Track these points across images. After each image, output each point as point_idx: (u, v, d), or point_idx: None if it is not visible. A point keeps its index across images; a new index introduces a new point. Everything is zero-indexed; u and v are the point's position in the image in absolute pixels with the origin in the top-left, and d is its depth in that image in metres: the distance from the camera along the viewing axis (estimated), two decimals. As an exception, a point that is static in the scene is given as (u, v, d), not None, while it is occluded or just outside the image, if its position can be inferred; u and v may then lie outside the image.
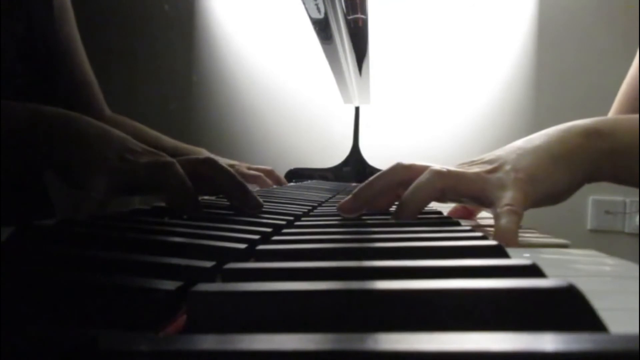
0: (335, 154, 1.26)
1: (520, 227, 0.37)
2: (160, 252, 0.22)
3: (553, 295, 0.14)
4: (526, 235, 0.40)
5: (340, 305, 0.15)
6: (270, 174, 0.91)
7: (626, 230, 1.38)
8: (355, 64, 0.77)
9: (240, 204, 0.44)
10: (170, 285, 0.17)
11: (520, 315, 0.14)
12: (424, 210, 0.43)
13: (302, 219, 0.42)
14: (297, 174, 1.24)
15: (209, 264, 0.21)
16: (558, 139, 0.42)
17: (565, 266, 0.26)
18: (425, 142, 1.36)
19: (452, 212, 0.53)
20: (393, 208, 0.43)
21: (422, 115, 1.36)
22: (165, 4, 1.50)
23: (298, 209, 0.47)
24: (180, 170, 0.42)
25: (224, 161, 0.87)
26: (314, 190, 0.77)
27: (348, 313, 0.15)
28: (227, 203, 0.47)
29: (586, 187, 0.42)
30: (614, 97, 0.74)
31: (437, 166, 0.41)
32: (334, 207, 0.46)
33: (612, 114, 0.74)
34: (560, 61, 1.39)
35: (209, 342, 0.11)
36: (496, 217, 0.37)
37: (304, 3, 0.56)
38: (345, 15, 0.62)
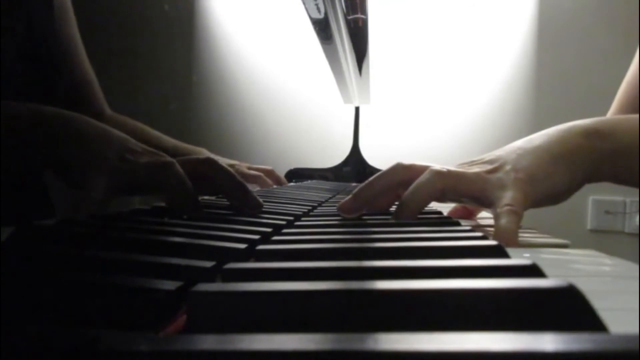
0: (335, 154, 1.26)
1: (520, 227, 0.37)
2: (160, 252, 0.22)
3: (553, 295, 0.14)
4: (526, 235, 0.40)
5: (340, 305, 0.15)
6: (270, 173, 0.91)
7: (626, 230, 1.38)
8: (355, 64, 0.77)
9: (240, 204, 0.44)
10: (170, 285, 0.17)
11: (520, 315, 0.14)
12: (424, 210, 0.43)
13: (302, 219, 0.42)
14: (297, 174, 1.24)
15: (209, 264, 0.21)
16: (558, 139, 0.42)
17: (565, 266, 0.26)
18: (425, 142, 1.36)
19: (452, 212, 0.53)
20: (393, 208, 0.43)
21: (422, 115, 1.36)
22: (165, 4, 1.49)
23: (298, 209, 0.47)
24: (180, 170, 0.42)
25: (224, 161, 0.87)
26: (314, 190, 0.77)
27: (348, 313, 0.15)
28: (227, 203, 0.47)
29: (586, 187, 0.42)
30: (614, 97, 0.74)
31: (437, 166, 0.41)
32: (334, 207, 0.46)
33: (611, 113, 0.74)
34: (560, 61, 1.39)
35: (209, 342, 0.11)
36: (496, 217, 0.37)
37: (304, 3, 0.56)
38: (345, 15, 0.62)
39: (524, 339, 0.11)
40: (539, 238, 0.39)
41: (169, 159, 0.44)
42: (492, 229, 0.38)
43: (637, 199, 1.34)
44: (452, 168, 0.42)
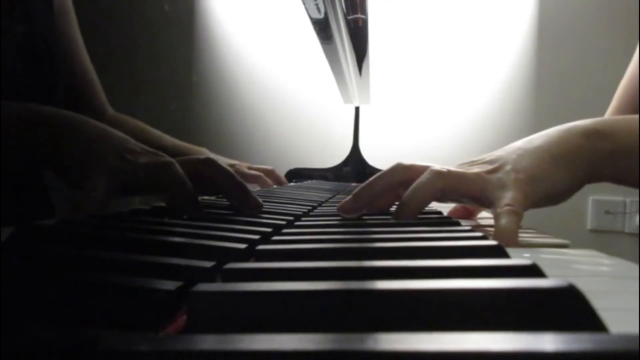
0: (335, 154, 1.26)
1: (520, 227, 0.37)
2: (160, 252, 0.22)
3: (553, 295, 0.14)
4: (526, 235, 0.40)
5: (340, 305, 0.15)
6: (270, 173, 0.91)
7: (626, 230, 1.38)
8: (355, 64, 0.77)
9: (239, 204, 0.44)
10: (170, 285, 0.17)
11: (521, 315, 0.14)
12: (424, 210, 0.43)
13: (302, 219, 0.42)
14: (297, 174, 1.24)
15: (209, 264, 0.21)
16: (558, 139, 0.42)
17: (565, 266, 0.26)
18: (425, 142, 1.36)
19: (452, 212, 0.53)
20: (393, 208, 0.43)
21: (422, 115, 1.36)
22: (165, 4, 1.49)
23: (298, 209, 0.47)
24: (180, 170, 0.42)
25: (224, 161, 0.87)
26: (314, 190, 0.77)
27: (348, 313, 0.15)
28: (227, 203, 0.47)
29: (586, 187, 0.42)
30: (613, 97, 0.74)
31: (437, 166, 0.41)
32: (334, 207, 0.46)
33: (609, 112, 0.74)
34: (560, 61, 1.39)
35: (209, 342, 0.11)
36: (496, 217, 0.37)
37: (304, 3, 0.56)
38: (345, 15, 0.62)
39: (524, 339, 0.11)
40: (539, 238, 0.39)
41: (168, 159, 0.44)
42: (492, 229, 0.38)
43: (637, 199, 1.34)
44: (452, 168, 0.42)
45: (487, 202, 0.40)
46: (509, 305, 0.14)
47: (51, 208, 0.68)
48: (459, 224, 0.37)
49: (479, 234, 0.30)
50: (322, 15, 0.58)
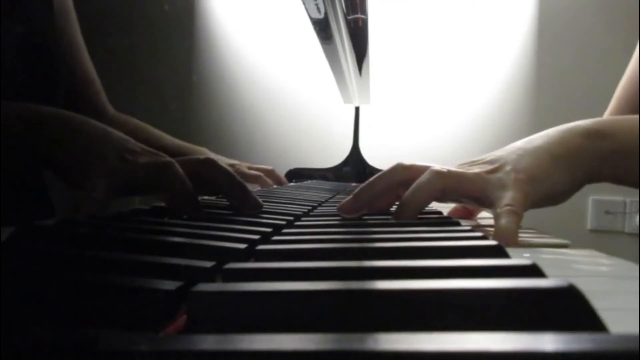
0: (335, 154, 1.26)
1: (520, 227, 0.37)
2: (160, 252, 0.22)
3: (553, 295, 0.14)
4: (526, 235, 0.40)
5: (340, 305, 0.15)
6: (270, 173, 0.91)
7: (626, 230, 1.38)
8: (355, 64, 0.77)
9: (239, 204, 0.44)
10: (170, 285, 0.17)
11: (521, 315, 0.14)
12: (424, 210, 0.43)
13: (302, 219, 0.42)
14: (297, 174, 1.24)
15: (209, 264, 0.21)
16: (558, 139, 0.42)
17: (566, 266, 0.26)
18: (425, 142, 1.36)
19: (452, 212, 0.53)
20: (393, 208, 0.43)
21: (422, 115, 1.36)
22: (165, 4, 1.49)
23: (298, 209, 0.47)
24: (180, 170, 0.42)
25: (224, 161, 0.87)
26: (314, 190, 0.77)
27: (348, 313, 0.15)
28: (227, 203, 0.47)
29: (586, 187, 0.42)
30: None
31: (437, 166, 0.41)
32: (334, 207, 0.46)
33: (609, 112, 0.74)
34: (560, 61, 1.39)
35: (209, 342, 0.11)
36: (496, 218, 0.37)
37: (304, 3, 0.56)
38: (345, 15, 0.62)
39: (524, 339, 0.11)
40: (538, 238, 0.39)
41: (168, 159, 0.44)
42: (492, 229, 0.38)
43: (637, 199, 1.34)
44: (453, 168, 0.42)
45: (487, 202, 0.40)
46: (509, 305, 0.14)
47: (51, 208, 0.68)
48: (459, 224, 0.37)
49: (479, 234, 0.30)
50: (322, 15, 0.58)
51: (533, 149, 0.41)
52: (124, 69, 1.47)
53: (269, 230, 0.32)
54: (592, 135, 0.42)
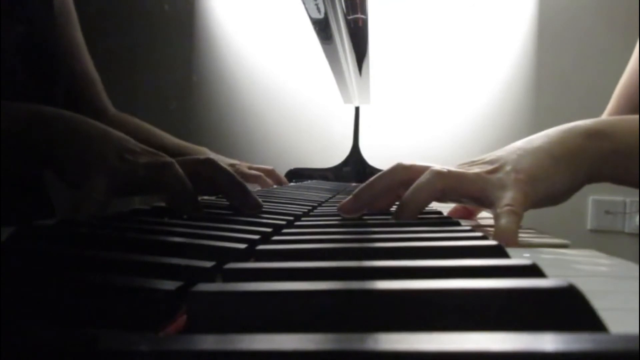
0: (335, 154, 1.26)
1: (520, 227, 0.37)
2: (160, 252, 0.22)
3: (553, 295, 0.14)
4: (526, 235, 0.40)
5: (340, 305, 0.15)
6: (271, 173, 0.91)
7: (626, 230, 1.38)
8: (355, 64, 0.77)
9: (239, 204, 0.44)
10: (170, 285, 0.17)
11: (521, 315, 0.14)
12: (424, 210, 0.43)
13: (302, 219, 0.42)
14: (297, 174, 1.24)
15: (209, 264, 0.21)
16: (559, 139, 0.42)
17: (566, 266, 0.26)
18: (425, 142, 1.36)
19: (452, 212, 0.53)
20: (393, 208, 0.43)
21: (422, 115, 1.36)
22: (165, 4, 1.49)
23: (298, 209, 0.47)
24: (180, 170, 0.42)
25: (225, 161, 0.87)
26: (314, 190, 0.77)
27: (348, 313, 0.15)
28: (227, 203, 0.47)
29: (586, 187, 0.42)
30: (614, 97, 0.74)
31: (437, 166, 0.41)
32: (334, 207, 0.46)
33: (608, 112, 0.74)
34: (560, 61, 1.39)
35: (209, 342, 0.11)
36: (496, 218, 0.37)
37: (304, 3, 0.56)
38: (345, 15, 0.62)
39: (524, 339, 0.11)
40: (538, 238, 0.39)
41: (168, 159, 0.44)
42: (492, 229, 0.38)
43: (637, 199, 1.34)
44: (453, 168, 0.42)
45: (487, 202, 0.40)
46: (509, 305, 0.14)
47: (51, 208, 0.68)
48: (459, 224, 0.37)
49: (479, 234, 0.30)
50: (322, 15, 0.58)
51: (533, 149, 0.41)
52: (124, 68, 1.47)
53: (269, 230, 0.32)
54: (593, 135, 0.42)
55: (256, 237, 0.29)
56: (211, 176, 0.45)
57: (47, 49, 0.67)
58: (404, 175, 0.42)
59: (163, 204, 0.45)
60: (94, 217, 0.35)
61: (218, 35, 1.45)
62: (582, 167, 0.41)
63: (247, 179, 0.83)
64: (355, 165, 1.23)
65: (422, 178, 0.40)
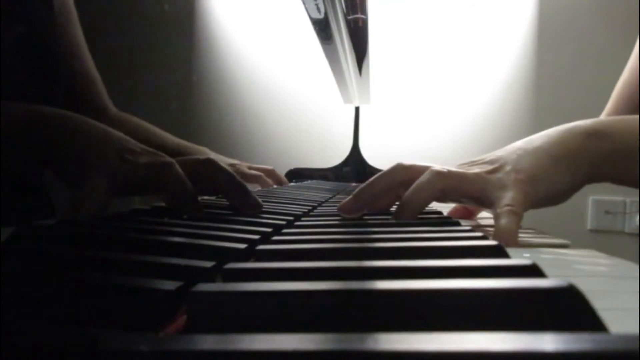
0: (335, 154, 1.26)
1: (520, 227, 0.37)
2: (160, 252, 0.22)
3: (553, 295, 0.14)
4: (526, 235, 0.40)
5: (341, 305, 0.15)
6: (271, 173, 0.91)
7: (626, 230, 1.38)
8: (355, 64, 0.77)
9: (239, 204, 0.44)
10: (170, 285, 0.17)
11: (521, 315, 0.14)
12: (424, 210, 0.43)
13: (302, 219, 0.42)
14: (297, 174, 1.24)
15: (209, 264, 0.21)
16: (559, 139, 0.42)
17: (566, 266, 0.26)
18: (425, 142, 1.36)
19: (452, 212, 0.53)
20: (394, 208, 0.43)
21: (422, 115, 1.36)
22: (165, 4, 1.49)
23: (298, 209, 0.47)
24: (180, 170, 0.42)
25: (225, 161, 0.87)
26: (314, 190, 0.77)
27: (348, 313, 0.15)
28: (227, 203, 0.47)
29: (586, 187, 0.42)
30: (614, 97, 0.74)
31: (437, 166, 0.41)
32: (334, 207, 0.46)
33: (607, 112, 0.74)
34: (560, 61, 1.39)
35: (209, 342, 0.11)
36: (496, 218, 0.37)
37: (304, 3, 0.56)
38: (345, 15, 0.62)
39: (524, 339, 0.11)
40: (538, 238, 0.39)
41: (168, 159, 0.44)
42: (492, 229, 0.38)
43: (637, 199, 1.34)
44: (453, 168, 0.42)
45: (487, 202, 0.40)
46: (509, 305, 0.14)
47: (51, 208, 0.68)
48: (459, 224, 0.37)
49: (479, 234, 0.30)
50: (322, 15, 0.58)
51: (533, 149, 0.41)
52: (124, 68, 1.47)
53: (269, 230, 0.32)
54: (593, 135, 0.42)
55: (256, 237, 0.29)
56: (211, 176, 0.45)
57: (47, 48, 0.67)
58: (404, 175, 0.42)
59: (163, 204, 0.45)
60: (94, 217, 0.35)
61: (218, 35, 1.45)
62: (582, 167, 0.41)
63: (247, 179, 0.83)
64: (355, 165, 1.24)
65: (422, 178, 0.40)
